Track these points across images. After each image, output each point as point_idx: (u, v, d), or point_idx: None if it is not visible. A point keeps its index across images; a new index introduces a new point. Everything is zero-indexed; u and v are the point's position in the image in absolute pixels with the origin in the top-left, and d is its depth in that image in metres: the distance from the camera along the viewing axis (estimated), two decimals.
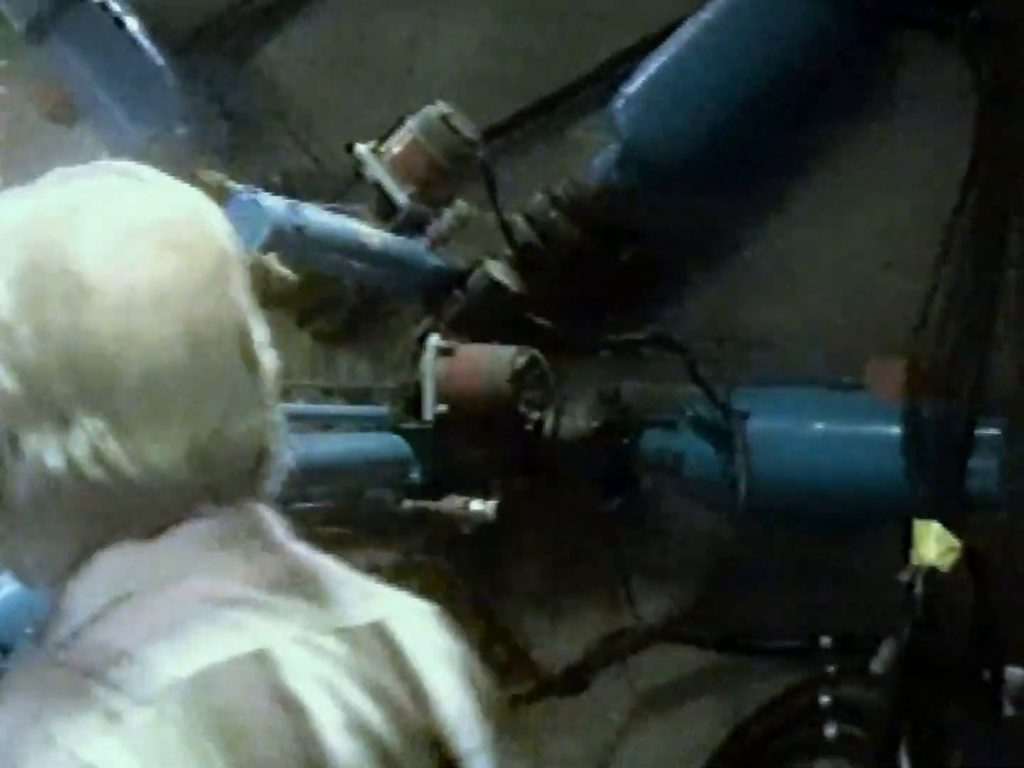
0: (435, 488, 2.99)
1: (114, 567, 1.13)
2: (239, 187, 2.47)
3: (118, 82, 3.42)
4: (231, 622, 1.10)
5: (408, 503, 2.96)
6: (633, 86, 3.07)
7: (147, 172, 1.20)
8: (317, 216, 2.62)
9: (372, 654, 1.18)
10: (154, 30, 3.43)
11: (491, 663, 2.97)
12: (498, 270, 3.07)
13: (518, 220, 3.17)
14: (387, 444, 2.97)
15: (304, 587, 1.19)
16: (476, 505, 2.95)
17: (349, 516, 3.05)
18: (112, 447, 1.09)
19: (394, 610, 1.27)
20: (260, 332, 1.19)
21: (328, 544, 2.85)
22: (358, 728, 1.13)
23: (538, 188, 3.20)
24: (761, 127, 3.03)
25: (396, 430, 2.98)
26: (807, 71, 3.03)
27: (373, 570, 3.24)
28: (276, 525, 1.22)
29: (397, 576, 3.27)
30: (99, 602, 1.11)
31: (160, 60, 3.44)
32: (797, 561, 3.08)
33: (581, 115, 3.32)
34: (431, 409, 2.95)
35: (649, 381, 3.24)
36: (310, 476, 2.72)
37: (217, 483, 1.15)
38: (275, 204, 2.49)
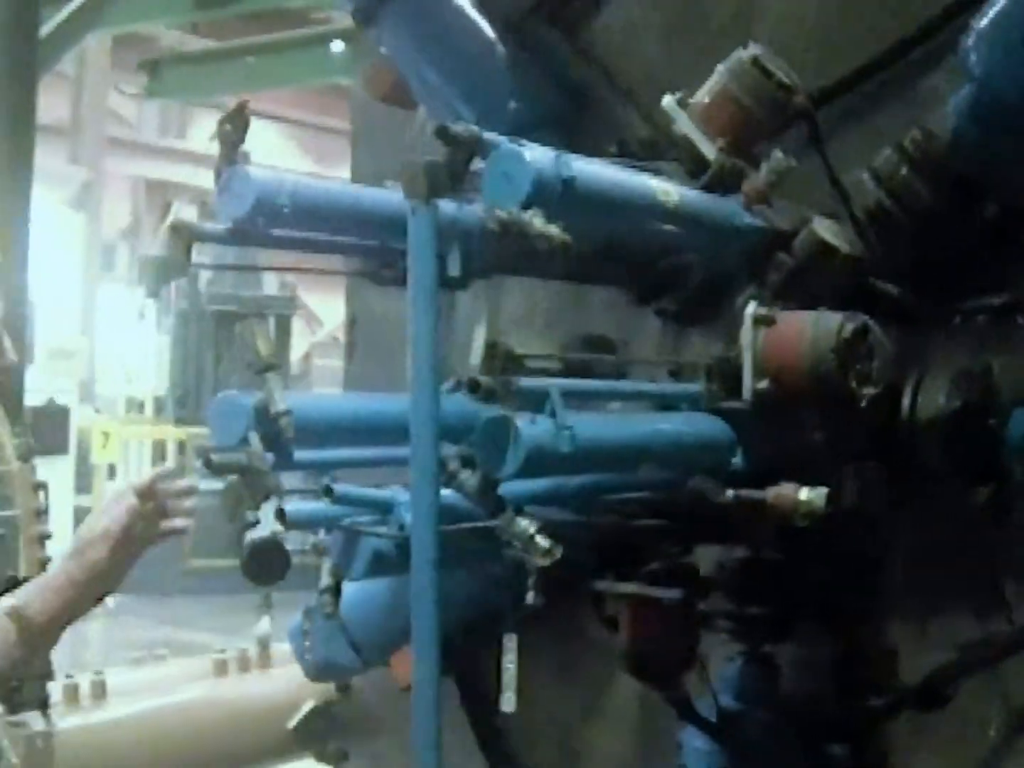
0: (761, 475, 2.69)
1: None
2: (498, 138, 2.27)
3: (450, 60, 3.31)
4: None
5: (730, 492, 2.68)
6: (985, 20, 2.68)
7: None
8: (592, 168, 2.38)
9: None
10: (484, 5, 3.31)
11: (852, 673, 2.60)
12: (827, 230, 2.74)
13: (865, 178, 2.83)
14: (706, 426, 2.69)
15: None
16: (805, 494, 2.63)
17: (668, 507, 2.80)
18: None
19: None
20: None
21: (645, 537, 2.61)
22: None
23: (888, 145, 2.86)
24: None
25: (715, 410, 2.70)
26: None
27: (719, 569, 2.99)
28: None
29: (740, 572, 3.03)
30: None
31: (492, 35, 3.31)
32: None
33: (936, 62, 2.94)
34: (751, 385, 2.65)
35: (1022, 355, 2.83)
36: (615, 460, 2.50)
37: None
38: (539, 155, 2.27)
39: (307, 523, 2.44)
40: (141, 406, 18.21)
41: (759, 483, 2.66)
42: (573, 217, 2.27)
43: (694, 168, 2.72)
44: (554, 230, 2.21)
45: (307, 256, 2.76)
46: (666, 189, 2.53)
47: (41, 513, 3.78)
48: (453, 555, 2.41)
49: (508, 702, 2.51)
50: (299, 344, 20.30)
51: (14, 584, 2.42)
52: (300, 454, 2.42)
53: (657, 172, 2.65)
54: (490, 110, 3.23)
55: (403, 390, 2.23)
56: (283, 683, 3.71)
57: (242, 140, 2.52)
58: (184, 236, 2.49)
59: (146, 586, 13.76)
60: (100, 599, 2.36)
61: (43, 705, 3.24)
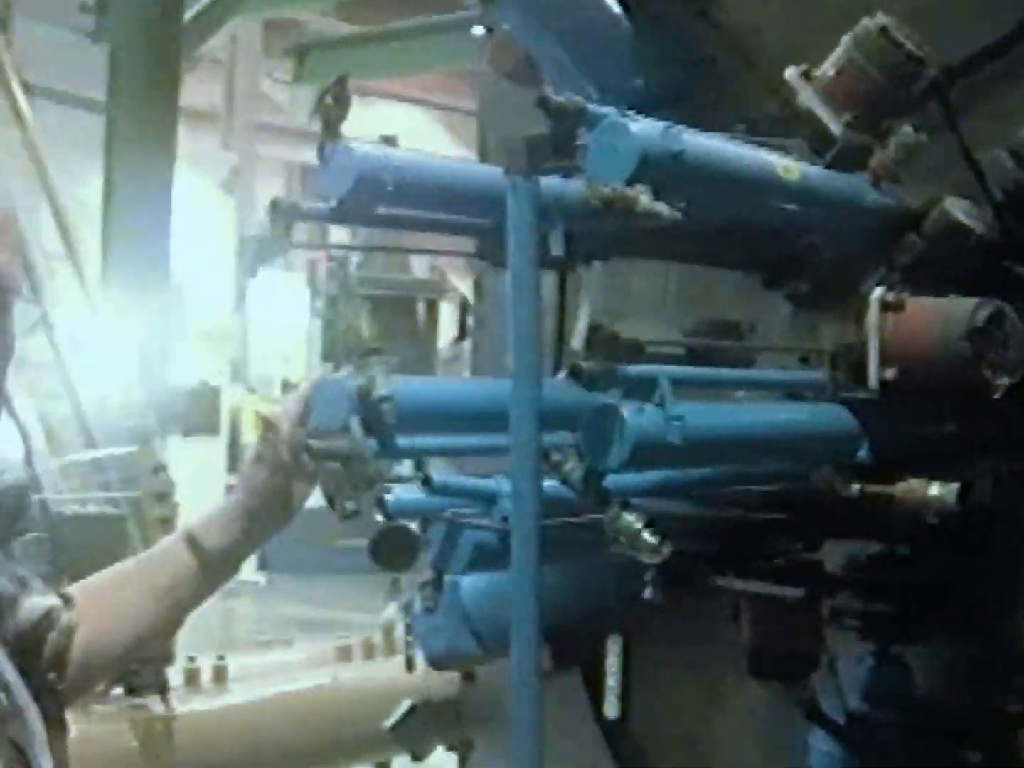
0: (889, 468, 2.56)
1: None
2: (603, 110, 2.17)
3: (573, 34, 3.20)
4: None
5: (855, 486, 2.55)
6: None
7: None
8: (704, 142, 2.25)
9: None
10: None
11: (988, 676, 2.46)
12: (960, 209, 2.59)
13: (1003, 156, 2.67)
14: (829, 416, 2.56)
15: None
16: (936, 489, 2.49)
17: (791, 501, 2.68)
18: None
19: None
20: None
21: (765, 531, 2.49)
22: None
23: None
24: None
25: (840, 400, 2.57)
26: None
27: (847, 565, 2.86)
28: None
29: (869, 568, 2.90)
30: None
31: (616, 9, 3.20)
32: None
33: None
34: (877, 374, 2.51)
35: None
36: (728, 453, 2.39)
37: None
38: (647, 127, 2.15)
39: (408, 513, 2.37)
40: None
41: (886, 477, 2.53)
42: (683, 193, 2.15)
43: (819, 144, 2.58)
44: (662, 207, 2.10)
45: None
46: (787, 165, 2.40)
47: (163, 495, 3.76)
48: (566, 546, 2.32)
49: (612, 707, 2.41)
50: (450, 327, 20.33)
51: None
52: (404, 441, 2.35)
53: (782, 149, 2.52)
54: (614, 86, 3.13)
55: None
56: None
57: (345, 115, 2.44)
58: (285, 215, 2.43)
59: (294, 566, 13.94)
60: (275, 529, 2.32)
61: (162, 689, 3.22)
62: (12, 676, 1.92)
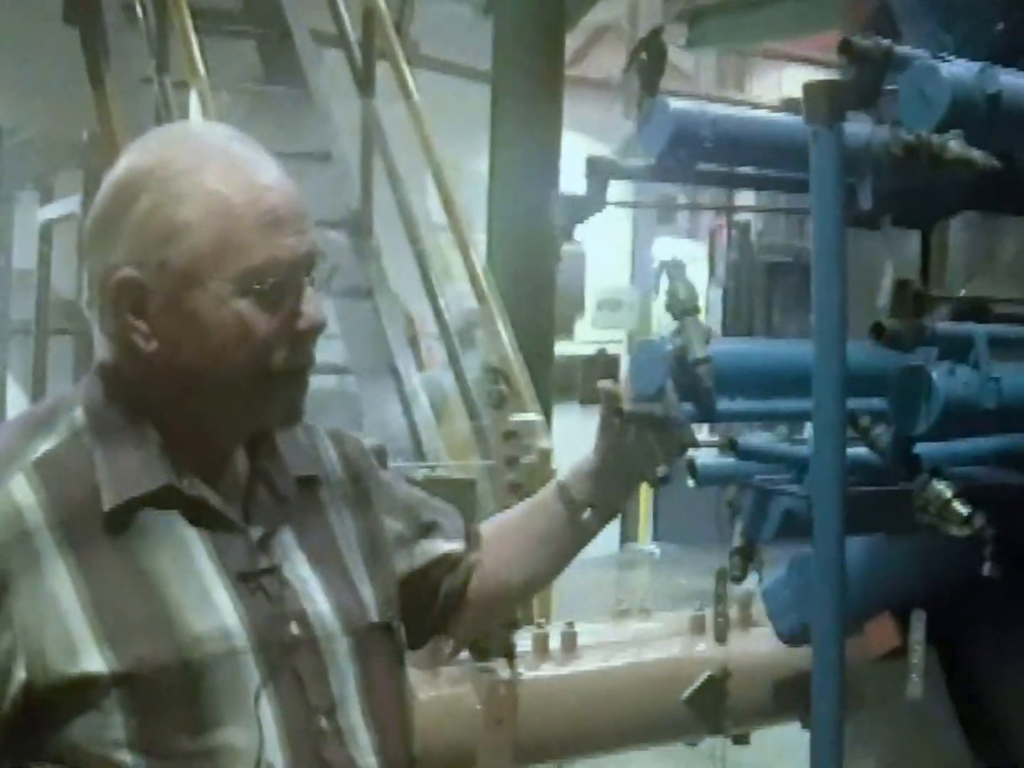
0: None
1: None
2: (913, 52, 2.03)
3: None
4: None
5: None
6: None
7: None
8: None
9: None
10: None
11: None
12: None
13: None
14: None
15: None
16: None
17: None
18: None
19: None
20: None
21: None
22: None
23: None
24: None
25: None
26: None
27: None
28: None
29: None
30: None
31: None
32: None
33: None
34: None
35: None
36: None
37: None
38: (959, 69, 2.00)
39: (718, 479, 2.30)
40: None
41: None
42: (1002, 139, 2.00)
43: None
44: (978, 154, 1.95)
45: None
46: None
47: (512, 461, 3.81)
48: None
49: (914, 686, 2.28)
50: None
51: None
52: (722, 405, 2.28)
53: None
54: (972, 33, 2.95)
55: (860, 337, 2.05)
56: (763, 645, 3.57)
57: (661, 69, 2.39)
58: (601, 172, 2.39)
59: (689, 537, 13.95)
60: (634, 486, 2.38)
61: (509, 654, 3.26)
62: (323, 607, 1.94)
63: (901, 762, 3.53)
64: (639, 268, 19.25)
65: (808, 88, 2.00)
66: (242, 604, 1.84)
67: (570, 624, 3.65)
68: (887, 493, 2.11)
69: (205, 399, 1.84)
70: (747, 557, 2.31)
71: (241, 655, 1.81)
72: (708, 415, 2.29)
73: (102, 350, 1.88)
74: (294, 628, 1.89)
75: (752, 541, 2.31)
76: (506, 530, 2.38)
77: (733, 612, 3.92)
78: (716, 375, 2.21)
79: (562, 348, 10.61)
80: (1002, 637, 3.13)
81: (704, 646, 3.77)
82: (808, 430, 2.23)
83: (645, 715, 3.50)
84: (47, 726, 1.75)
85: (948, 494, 1.99)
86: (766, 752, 3.54)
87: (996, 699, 3.23)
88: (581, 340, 16.26)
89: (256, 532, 1.90)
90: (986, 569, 2.43)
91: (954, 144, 1.94)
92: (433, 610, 2.25)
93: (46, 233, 7.77)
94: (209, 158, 1.82)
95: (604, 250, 16.78)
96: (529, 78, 7.84)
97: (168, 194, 1.78)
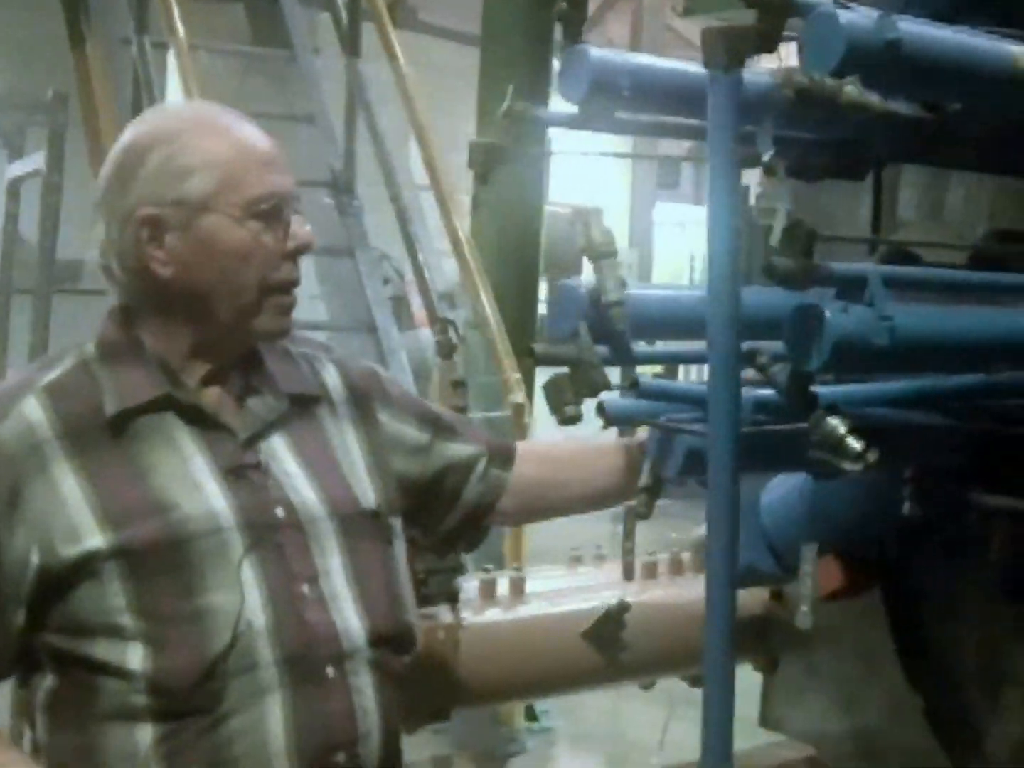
0: None
1: None
2: (815, 0, 2.05)
3: None
4: None
5: None
6: None
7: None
8: (926, 31, 2.09)
9: None
10: None
11: None
12: None
13: None
14: None
15: None
16: None
17: None
18: None
19: None
20: None
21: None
22: None
23: None
24: None
25: None
26: None
27: None
28: None
29: None
30: None
31: None
32: None
33: None
34: None
35: None
36: (946, 358, 2.25)
37: None
38: (858, 16, 2.02)
39: (626, 419, 2.34)
40: None
41: None
42: (899, 85, 2.02)
43: None
44: (873, 98, 1.98)
45: None
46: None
47: (460, 411, 3.83)
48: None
49: (803, 618, 2.32)
50: None
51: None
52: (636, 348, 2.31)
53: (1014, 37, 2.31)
54: None
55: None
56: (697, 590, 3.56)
57: (583, 19, 2.41)
58: (519, 121, 2.44)
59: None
60: None
61: (452, 599, 3.29)
62: (308, 495, 2.23)
63: (850, 697, 3.58)
64: (638, 231, 19.23)
65: (706, 33, 2.03)
66: (230, 492, 2.14)
67: (517, 569, 3.67)
68: (786, 431, 2.14)
69: (210, 316, 2.17)
70: (654, 494, 2.35)
71: (226, 531, 2.11)
72: (622, 357, 2.33)
73: (118, 291, 2.23)
74: (279, 512, 2.17)
75: (658, 479, 2.35)
76: (574, 451, 2.74)
77: (688, 556, 3.95)
78: (629, 318, 2.25)
79: None
80: (935, 572, 3.16)
81: (658, 591, 3.76)
82: None
83: (585, 659, 3.51)
84: (58, 601, 2.06)
85: (842, 430, 2.01)
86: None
87: (933, 629, 3.27)
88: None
89: (244, 434, 2.20)
90: (906, 508, 2.48)
91: (850, 88, 1.96)
92: (454, 514, 2.59)
93: (14, 190, 7.79)
94: (203, 120, 2.21)
95: (603, 213, 16.70)
96: (517, 42, 7.81)
97: (176, 146, 2.14)
